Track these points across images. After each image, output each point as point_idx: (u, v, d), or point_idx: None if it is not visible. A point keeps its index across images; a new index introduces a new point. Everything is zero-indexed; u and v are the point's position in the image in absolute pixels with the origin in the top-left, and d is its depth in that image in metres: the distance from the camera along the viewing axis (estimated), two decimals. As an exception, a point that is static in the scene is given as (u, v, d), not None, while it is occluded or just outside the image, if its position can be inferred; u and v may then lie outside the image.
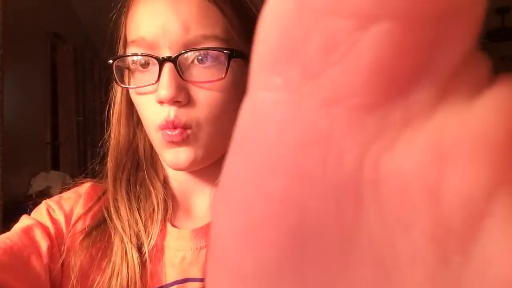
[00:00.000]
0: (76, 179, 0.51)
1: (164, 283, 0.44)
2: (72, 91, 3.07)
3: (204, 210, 0.48)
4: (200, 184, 0.48)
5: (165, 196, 0.46)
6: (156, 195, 0.46)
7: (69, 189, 0.50)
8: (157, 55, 0.41)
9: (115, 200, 0.46)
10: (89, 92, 3.59)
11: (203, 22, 0.40)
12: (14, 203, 2.12)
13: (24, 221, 0.46)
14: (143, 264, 0.43)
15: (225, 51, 0.40)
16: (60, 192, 0.50)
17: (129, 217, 0.45)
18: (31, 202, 2.17)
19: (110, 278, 0.43)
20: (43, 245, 0.43)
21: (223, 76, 0.40)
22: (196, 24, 0.40)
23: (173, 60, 0.40)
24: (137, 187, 0.47)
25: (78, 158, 3.15)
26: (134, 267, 0.42)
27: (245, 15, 0.43)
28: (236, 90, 0.42)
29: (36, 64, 2.70)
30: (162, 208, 0.45)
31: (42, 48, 2.79)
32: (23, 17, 2.38)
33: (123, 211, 0.45)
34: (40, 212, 0.47)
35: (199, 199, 0.48)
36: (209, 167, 0.45)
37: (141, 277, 0.42)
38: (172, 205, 0.47)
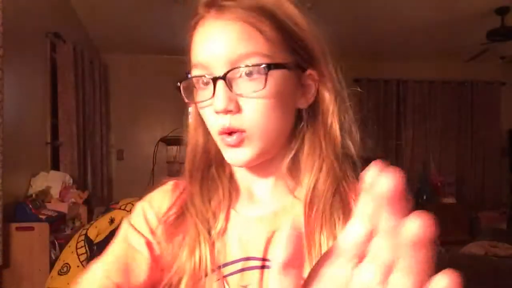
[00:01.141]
0: (163, 179, 0.63)
1: (231, 260, 0.54)
2: (72, 91, 3.07)
3: (265, 198, 0.58)
4: (260, 177, 0.58)
5: (230, 188, 0.58)
6: (223, 188, 0.58)
7: (156, 188, 0.62)
8: (212, 74, 0.50)
9: (191, 193, 0.58)
10: (89, 92, 3.59)
11: (245, 43, 0.49)
12: (14, 203, 2.12)
13: (123, 228, 0.59)
14: (211, 244, 0.54)
15: (262, 66, 0.48)
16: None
17: (201, 206, 0.56)
18: (31, 202, 2.17)
19: (187, 256, 0.54)
20: (141, 243, 0.56)
21: (263, 87, 0.49)
22: (239, 45, 0.49)
23: (223, 77, 0.49)
24: (209, 182, 0.58)
25: (78, 158, 3.15)
26: (205, 247, 0.53)
27: (285, 31, 0.51)
28: (280, 95, 0.50)
29: (36, 64, 2.70)
30: (227, 198, 0.57)
31: (42, 48, 2.79)
32: (23, 17, 2.38)
33: (197, 201, 0.57)
34: (136, 215, 0.60)
35: (260, 188, 0.58)
36: (266, 162, 0.55)
37: (210, 255, 0.53)
38: (236, 194, 0.58)
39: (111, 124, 4.80)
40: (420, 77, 5.35)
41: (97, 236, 1.84)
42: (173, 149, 4.56)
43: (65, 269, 1.78)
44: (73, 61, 3.11)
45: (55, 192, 2.52)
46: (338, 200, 0.52)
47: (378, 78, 5.28)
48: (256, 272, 0.53)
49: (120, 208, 1.92)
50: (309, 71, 0.54)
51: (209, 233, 0.55)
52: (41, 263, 2.05)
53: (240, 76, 0.50)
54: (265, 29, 0.49)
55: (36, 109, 2.69)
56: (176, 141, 4.44)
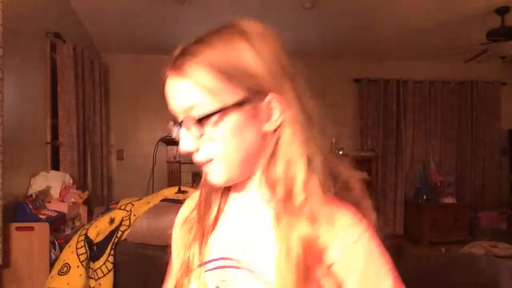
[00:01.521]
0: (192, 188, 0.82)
1: (215, 257, 0.64)
2: (72, 91, 3.07)
3: (248, 206, 0.66)
4: (243, 188, 0.66)
5: (221, 194, 0.68)
6: (216, 195, 0.69)
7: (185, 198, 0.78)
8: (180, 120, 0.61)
9: (200, 198, 0.70)
10: (89, 92, 3.59)
11: (186, 98, 0.58)
12: (14, 203, 2.12)
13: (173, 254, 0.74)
14: (202, 242, 0.66)
15: (196, 118, 0.57)
16: None
17: (205, 208, 0.68)
18: (31, 202, 2.17)
19: (184, 252, 0.67)
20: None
21: (201, 134, 0.58)
22: (181, 100, 0.59)
23: (180, 124, 0.60)
24: (214, 189, 0.68)
25: (78, 158, 3.15)
26: (197, 245, 0.65)
27: (231, 77, 0.57)
28: (229, 130, 0.58)
29: (36, 64, 2.70)
30: (217, 203, 0.68)
31: (42, 48, 2.79)
32: (23, 17, 2.38)
33: (202, 205, 0.69)
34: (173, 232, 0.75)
35: (245, 198, 0.67)
36: (246, 182, 0.64)
37: (200, 252, 0.65)
38: (226, 201, 0.69)
39: (111, 124, 4.80)
40: (420, 77, 5.35)
41: (97, 236, 1.84)
42: (173, 149, 4.56)
43: (65, 269, 1.78)
44: (73, 61, 3.11)
45: (55, 192, 2.52)
46: (307, 213, 0.57)
47: (378, 78, 5.28)
48: (233, 270, 0.62)
49: (120, 208, 1.92)
50: (267, 98, 0.59)
51: (203, 233, 0.66)
52: (41, 263, 2.05)
53: (194, 122, 0.58)
54: (205, 81, 0.56)
55: (36, 109, 2.69)
56: (176, 141, 4.44)
